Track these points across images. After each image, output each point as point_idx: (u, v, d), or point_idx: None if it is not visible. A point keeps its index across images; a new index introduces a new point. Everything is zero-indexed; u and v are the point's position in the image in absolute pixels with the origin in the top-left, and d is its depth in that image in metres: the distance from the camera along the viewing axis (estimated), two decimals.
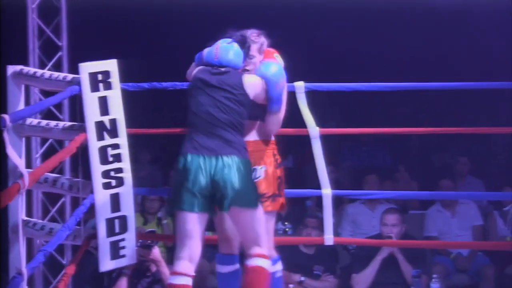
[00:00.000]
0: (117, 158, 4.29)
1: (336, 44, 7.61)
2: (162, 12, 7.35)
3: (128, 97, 4.40)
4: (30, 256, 4.46)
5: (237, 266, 4.08)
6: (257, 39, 4.02)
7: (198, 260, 3.87)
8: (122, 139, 4.30)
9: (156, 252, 4.91)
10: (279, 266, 4.12)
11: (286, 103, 4.03)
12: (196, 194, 3.81)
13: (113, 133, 4.27)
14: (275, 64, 3.96)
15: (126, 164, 4.32)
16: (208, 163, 3.84)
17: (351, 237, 6.14)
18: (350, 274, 5.63)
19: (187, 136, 3.96)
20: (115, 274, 4.84)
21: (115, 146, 4.28)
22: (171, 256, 5.58)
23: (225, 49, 3.95)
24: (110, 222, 4.31)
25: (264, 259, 3.87)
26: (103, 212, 4.30)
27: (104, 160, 4.27)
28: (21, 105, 4.42)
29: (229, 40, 4.00)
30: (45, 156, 5.19)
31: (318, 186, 4.47)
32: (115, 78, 4.29)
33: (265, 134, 4.04)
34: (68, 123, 4.52)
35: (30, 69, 4.52)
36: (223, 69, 3.95)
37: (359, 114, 7.73)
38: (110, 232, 4.32)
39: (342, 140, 7.40)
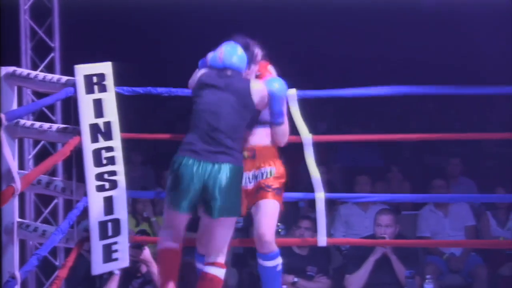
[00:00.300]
0: (111, 160, 4.29)
1: (326, 47, 7.62)
2: (155, 13, 7.34)
3: (120, 100, 4.39)
4: (22, 258, 4.45)
5: None
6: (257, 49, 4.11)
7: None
8: (116, 142, 4.29)
9: (147, 252, 4.90)
10: (280, 260, 4.19)
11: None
12: (186, 197, 3.88)
13: (107, 135, 4.27)
14: (279, 80, 4.08)
15: (119, 167, 4.31)
16: (203, 168, 3.87)
17: (344, 237, 6.14)
18: (343, 275, 5.63)
19: (187, 136, 3.97)
20: (106, 276, 4.83)
21: (109, 149, 4.28)
22: None
23: (229, 52, 4.01)
24: (103, 225, 4.30)
25: (221, 268, 4.01)
26: (96, 215, 4.29)
27: (98, 162, 4.26)
28: (14, 107, 4.41)
29: (233, 43, 4.04)
30: (38, 157, 5.18)
31: (309, 186, 4.48)
32: (109, 81, 4.28)
33: (271, 140, 4.16)
34: (62, 126, 4.50)
35: (24, 71, 4.50)
36: (229, 73, 3.99)
37: (351, 113, 7.74)
38: (103, 235, 4.31)
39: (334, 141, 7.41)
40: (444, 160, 7.03)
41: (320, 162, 4.50)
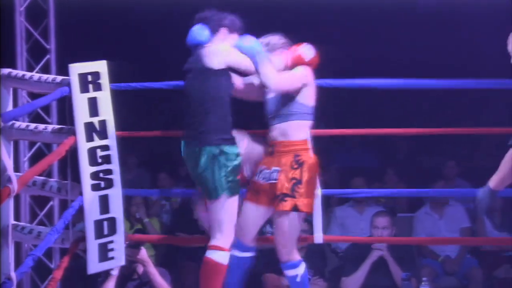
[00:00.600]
0: (106, 159, 4.28)
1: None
2: (152, 14, 7.35)
3: (115, 100, 4.39)
4: (17, 260, 4.44)
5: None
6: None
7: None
8: (111, 141, 4.29)
9: (144, 252, 4.89)
10: (300, 270, 4.17)
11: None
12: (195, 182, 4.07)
13: (103, 134, 4.26)
14: (247, 37, 4.08)
15: (115, 165, 4.30)
16: (192, 152, 4.03)
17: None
18: (339, 277, 5.62)
19: None
20: (101, 279, 4.81)
21: (104, 148, 4.27)
22: (158, 256, 5.59)
23: (190, 32, 4.14)
24: (98, 224, 4.30)
25: (214, 250, 4.02)
26: (92, 214, 4.28)
27: (93, 161, 4.25)
28: (10, 108, 4.41)
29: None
30: (33, 159, 5.17)
31: None
32: (104, 79, 4.28)
33: (289, 135, 4.10)
34: (57, 126, 4.50)
35: (19, 72, 4.51)
36: (195, 52, 4.11)
37: (346, 116, 7.74)
38: (99, 234, 4.30)
39: (331, 142, 7.41)
40: (440, 163, 7.03)
41: None
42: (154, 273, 4.83)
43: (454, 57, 7.91)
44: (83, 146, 4.24)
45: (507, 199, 6.21)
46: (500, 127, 5.45)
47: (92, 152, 4.24)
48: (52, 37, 5.43)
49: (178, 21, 7.58)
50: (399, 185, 6.78)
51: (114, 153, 4.29)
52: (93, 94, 4.25)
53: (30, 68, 5.35)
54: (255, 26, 4.15)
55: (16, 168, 4.85)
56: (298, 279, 4.15)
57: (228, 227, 4.04)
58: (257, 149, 4.20)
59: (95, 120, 4.25)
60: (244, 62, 4.04)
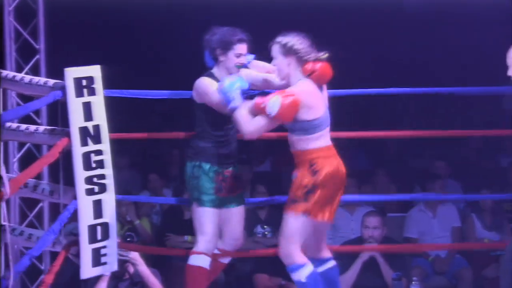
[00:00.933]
0: (100, 164, 4.26)
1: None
2: (142, 14, 7.31)
3: (106, 101, 4.36)
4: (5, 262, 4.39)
5: None
6: None
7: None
8: (105, 145, 4.27)
9: (136, 252, 4.87)
10: (302, 274, 4.06)
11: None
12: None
13: (97, 139, 4.24)
14: (230, 78, 4.10)
15: (108, 170, 4.28)
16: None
17: (331, 240, 6.14)
18: None
19: None
20: (91, 281, 4.79)
21: (98, 152, 4.25)
22: (148, 256, 5.57)
23: None
24: (92, 228, 4.27)
25: (194, 255, 4.20)
26: (86, 218, 4.26)
27: (87, 166, 4.23)
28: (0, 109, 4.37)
29: None
30: (23, 160, 5.12)
31: None
32: (98, 84, 4.25)
33: (297, 147, 4.06)
34: (49, 128, 4.47)
35: (9, 73, 4.47)
36: None
37: (336, 119, 7.73)
38: (92, 238, 4.28)
39: None
40: (430, 163, 7.05)
41: None
42: (147, 272, 4.82)
43: (452, 57, 7.93)
44: (78, 151, 4.22)
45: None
46: (489, 129, 5.50)
47: (86, 156, 4.23)
48: (42, 37, 5.38)
49: (170, 23, 7.61)
50: (389, 187, 6.79)
51: (107, 157, 4.28)
52: (87, 98, 4.23)
53: (19, 68, 5.30)
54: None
55: (6, 170, 4.79)
56: (303, 280, 4.03)
57: (204, 233, 4.21)
58: None
59: (90, 124, 4.23)
60: (211, 97, 4.15)
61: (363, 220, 5.64)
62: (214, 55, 4.22)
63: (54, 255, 4.66)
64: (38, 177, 5.03)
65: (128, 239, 5.29)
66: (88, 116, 4.22)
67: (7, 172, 4.80)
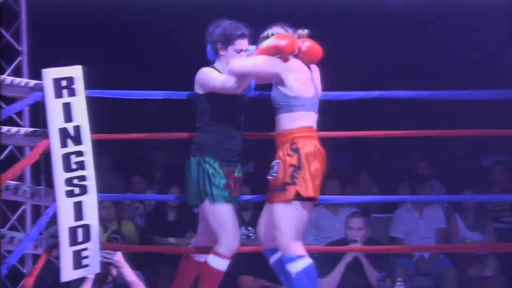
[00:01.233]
0: (81, 165, 4.22)
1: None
2: (125, 15, 7.29)
3: (89, 102, 4.33)
4: None
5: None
6: None
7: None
8: (86, 146, 4.23)
9: (120, 255, 4.85)
10: (296, 266, 4.03)
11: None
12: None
13: (77, 140, 4.20)
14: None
15: (89, 171, 4.25)
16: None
17: (315, 241, 6.15)
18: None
19: None
20: (74, 283, 4.77)
21: (79, 154, 4.21)
22: (132, 259, 5.55)
23: None
24: (73, 231, 4.24)
25: (212, 255, 4.12)
26: (66, 220, 4.22)
27: (67, 167, 4.19)
28: None
29: None
30: (5, 163, 5.09)
31: None
32: (79, 85, 4.22)
33: (282, 127, 4.07)
34: (30, 129, 4.44)
35: None
36: None
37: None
38: (73, 241, 4.24)
39: None
40: (413, 163, 7.06)
41: None
42: (131, 275, 4.82)
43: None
44: (57, 152, 4.18)
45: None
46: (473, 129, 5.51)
47: (66, 158, 4.18)
48: (24, 39, 5.34)
49: (154, 23, 7.59)
50: (372, 187, 6.80)
51: (89, 159, 4.24)
52: (67, 99, 4.18)
53: (1, 70, 5.26)
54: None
55: None
56: (293, 275, 4.00)
57: (226, 232, 4.12)
58: None
59: (70, 125, 4.19)
60: (213, 83, 4.13)
61: (347, 221, 5.65)
62: (215, 48, 4.20)
63: (36, 258, 4.63)
64: (20, 179, 5.02)
65: (113, 241, 5.28)
66: (68, 117, 4.18)
67: None
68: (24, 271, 5.22)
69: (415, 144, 7.31)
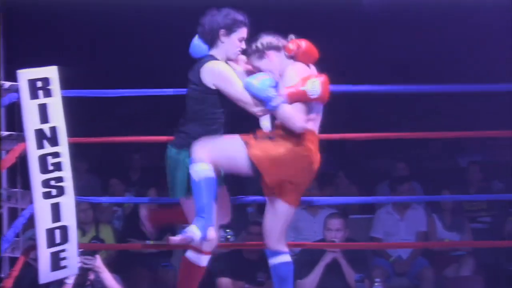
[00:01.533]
0: (58, 167, 4.19)
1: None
2: (102, 15, 7.25)
3: (66, 105, 4.31)
4: None
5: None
6: None
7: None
8: (63, 148, 4.20)
9: (99, 260, 4.84)
10: (275, 260, 4.08)
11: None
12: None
13: (54, 141, 4.17)
14: (258, 75, 3.97)
15: (67, 173, 4.22)
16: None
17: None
18: (293, 280, 5.62)
19: None
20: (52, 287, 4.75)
21: (56, 155, 4.18)
22: (109, 262, 5.54)
23: (192, 43, 4.11)
24: (50, 232, 4.21)
25: (192, 251, 4.15)
26: (43, 222, 4.20)
27: (44, 169, 4.16)
28: None
29: None
30: None
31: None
32: (55, 85, 4.19)
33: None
34: (6, 133, 4.40)
35: None
36: (198, 61, 4.08)
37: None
38: (51, 242, 4.22)
39: None
40: (390, 165, 7.10)
41: None
42: (110, 279, 4.81)
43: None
44: (34, 154, 4.14)
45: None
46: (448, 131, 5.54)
47: (42, 159, 4.15)
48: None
49: (129, 24, 7.56)
50: (350, 188, 6.83)
51: (65, 160, 4.21)
52: (43, 100, 4.15)
53: None
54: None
55: None
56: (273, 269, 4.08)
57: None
58: None
59: (46, 127, 4.16)
60: (233, 92, 3.96)
61: (326, 223, 5.66)
62: (214, 36, 4.03)
63: (13, 261, 4.59)
64: None
65: None
66: (44, 118, 4.15)
67: None
68: (2, 275, 5.17)
69: (393, 145, 7.36)
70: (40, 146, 4.15)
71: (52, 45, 7.39)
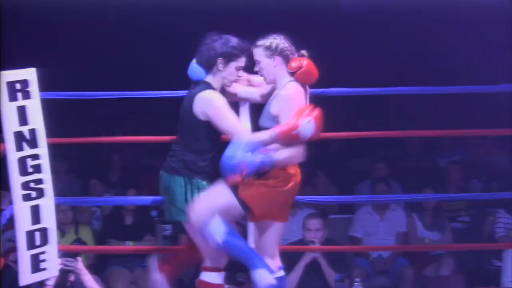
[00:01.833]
0: (37, 169, 4.19)
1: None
2: (84, 17, 7.24)
3: (45, 106, 4.30)
4: None
5: None
6: None
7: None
8: (42, 150, 4.20)
9: (80, 262, 4.83)
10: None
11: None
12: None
13: (33, 143, 4.17)
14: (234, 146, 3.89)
15: (46, 175, 4.22)
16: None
17: None
18: None
19: None
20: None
21: (35, 157, 4.18)
22: (88, 262, 5.54)
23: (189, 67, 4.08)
24: (30, 234, 4.21)
25: (204, 272, 4.07)
26: (23, 224, 4.19)
27: (23, 171, 4.16)
28: None
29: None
30: None
31: None
32: (34, 87, 4.19)
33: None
34: None
35: None
36: (194, 86, 4.06)
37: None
38: (30, 244, 4.21)
39: None
40: (369, 164, 7.12)
41: None
42: (90, 281, 4.80)
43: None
44: (13, 156, 4.14)
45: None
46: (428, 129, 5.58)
47: (22, 161, 4.15)
48: None
49: (112, 25, 7.53)
50: (329, 188, 6.84)
51: (45, 162, 4.21)
52: (22, 102, 4.14)
53: None
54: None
55: None
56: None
57: (205, 248, 4.06)
58: None
59: (25, 129, 4.15)
60: (223, 125, 3.93)
61: (305, 223, 5.67)
62: (212, 63, 3.99)
63: None
64: None
65: None
66: (23, 120, 4.15)
67: None
68: None
69: (371, 145, 7.38)
70: (19, 148, 4.15)
71: (32, 46, 7.38)
